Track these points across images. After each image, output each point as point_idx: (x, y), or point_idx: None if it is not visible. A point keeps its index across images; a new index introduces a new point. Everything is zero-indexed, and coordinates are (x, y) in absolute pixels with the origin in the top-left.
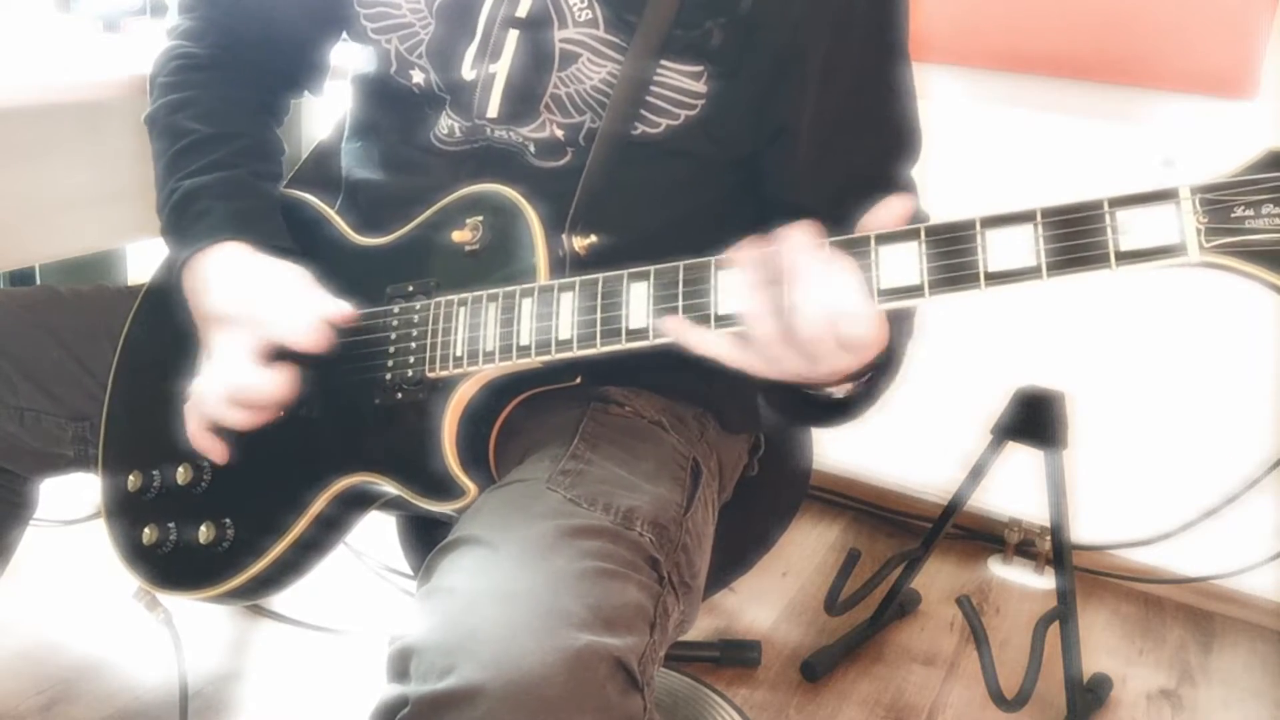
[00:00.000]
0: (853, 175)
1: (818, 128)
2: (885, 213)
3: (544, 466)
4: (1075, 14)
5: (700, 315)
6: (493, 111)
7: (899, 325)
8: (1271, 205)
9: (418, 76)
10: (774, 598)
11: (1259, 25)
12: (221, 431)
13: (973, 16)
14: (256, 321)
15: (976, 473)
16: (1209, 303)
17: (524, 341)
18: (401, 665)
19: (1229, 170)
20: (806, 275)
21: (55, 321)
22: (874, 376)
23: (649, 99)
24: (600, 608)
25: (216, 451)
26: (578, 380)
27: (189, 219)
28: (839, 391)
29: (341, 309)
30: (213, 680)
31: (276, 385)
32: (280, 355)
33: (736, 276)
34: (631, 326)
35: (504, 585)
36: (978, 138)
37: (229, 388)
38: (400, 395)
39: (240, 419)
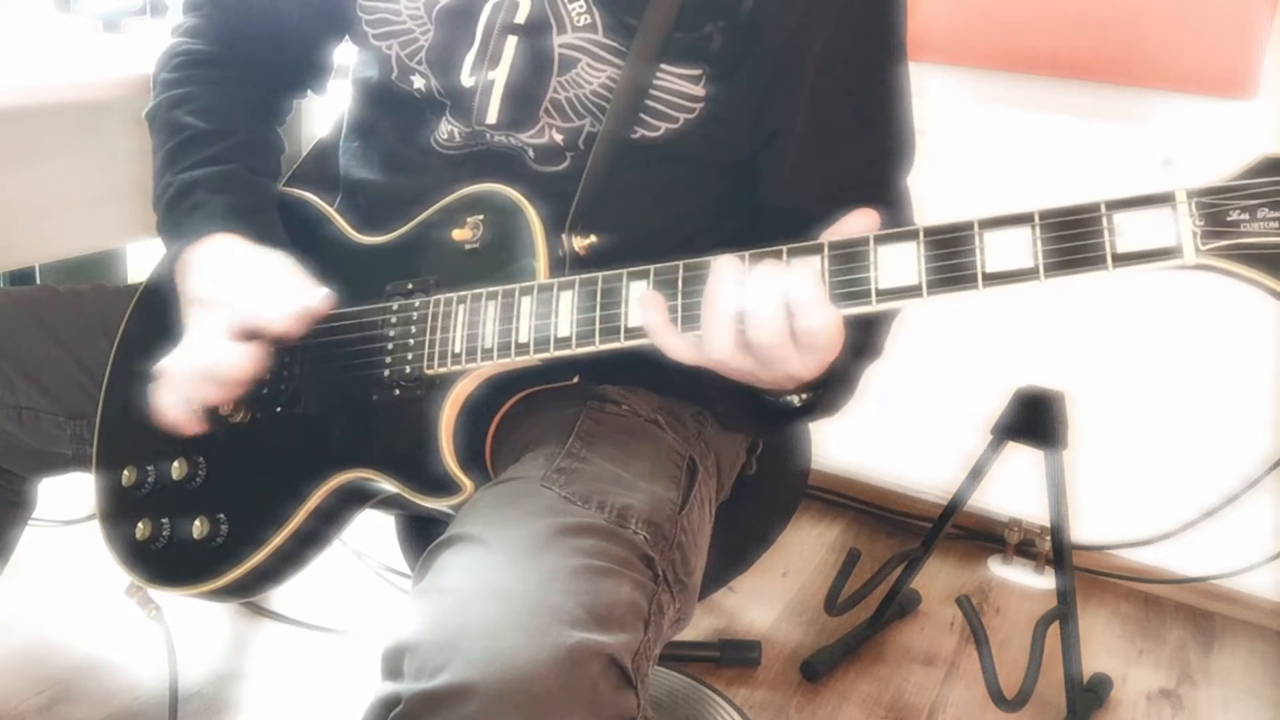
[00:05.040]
0: (843, 178)
1: (809, 128)
2: (849, 225)
3: (539, 464)
4: (1075, 14)
5: (697, 313)
6: (492, 118)
7: (861, 340)
8: (1267, 210)
9: (418, 82)
10: (774, 598)
11: (1259, 25)
12: (207, 418)
13: (973, 16)
14: (232, 303)
15: (976, 473)
16: (1209, 303)
17: (523, 339)
18: (395, 663)
19: (1225, 174)
20: (758, 278)
21: (54, 321)
22: (827, 390)
23: (648, 103)
24: (593, 605)
25: (185, 425)
26: (575, 379)
27: (183, 212)
28: (795, 400)
29: (322, 296)
30: (212, 680)
31: (245, 360)
32: (256, 339)
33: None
34: (630, 325)
35: (497, 583)
36: (977, 138)
37: (198, 363)
38: (398, 392)
39: (208, 394)
